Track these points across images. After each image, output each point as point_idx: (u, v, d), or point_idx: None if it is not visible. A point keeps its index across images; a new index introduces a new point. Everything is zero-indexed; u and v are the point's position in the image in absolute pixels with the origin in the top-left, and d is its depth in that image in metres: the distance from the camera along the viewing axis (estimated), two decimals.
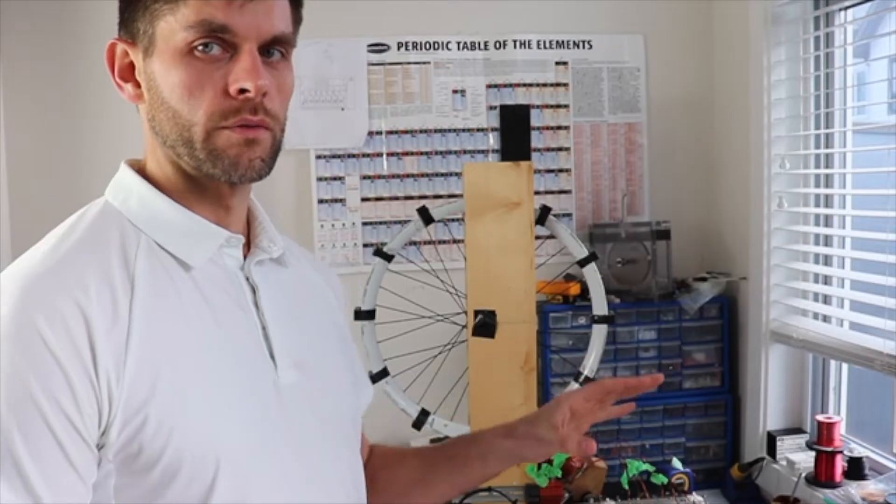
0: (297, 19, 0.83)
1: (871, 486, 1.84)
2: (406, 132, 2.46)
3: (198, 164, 0.78)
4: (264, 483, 0.78)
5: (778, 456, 2.14)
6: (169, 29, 0.76)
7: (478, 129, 2.49)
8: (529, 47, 2.49)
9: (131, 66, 0.81)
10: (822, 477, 1.94)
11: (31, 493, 0.67)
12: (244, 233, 0.87)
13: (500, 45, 2.48)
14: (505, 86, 2.49)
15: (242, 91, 0.76)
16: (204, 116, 0.76)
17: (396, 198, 2.47)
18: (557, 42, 2.50)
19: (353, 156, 2.44)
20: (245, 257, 0.86)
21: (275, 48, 0.79)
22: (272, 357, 0.83)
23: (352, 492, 0.91)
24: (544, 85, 2.50)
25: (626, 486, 1.85)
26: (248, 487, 0.77)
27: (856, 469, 1.91)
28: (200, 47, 0.75)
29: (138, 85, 0.81)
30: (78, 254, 0.75)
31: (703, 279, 2.35)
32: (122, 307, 0.73)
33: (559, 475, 1.85)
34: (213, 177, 0.79)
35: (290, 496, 0.80)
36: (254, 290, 0.84)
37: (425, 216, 1.84)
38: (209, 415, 0.75)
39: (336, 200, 2.45)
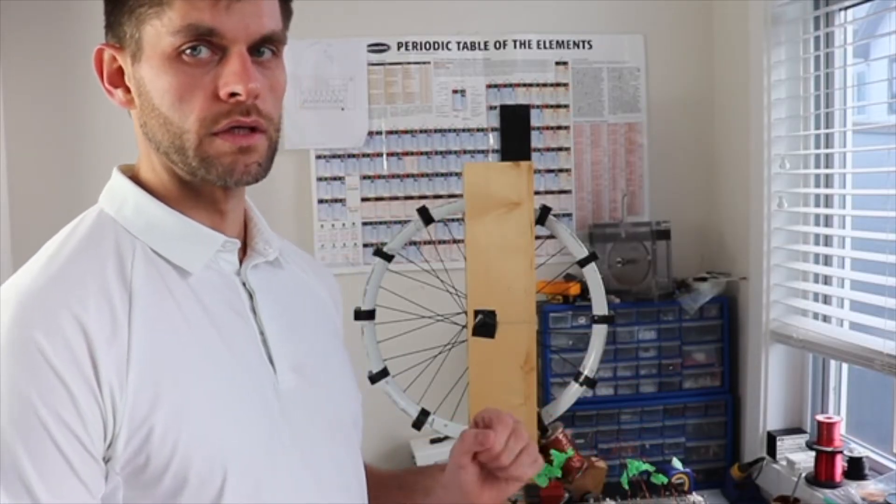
0: (286, 14, 0.82)
1: (871, 486, 1.84)
2: (406, 132, 2.46)
3: (191, 170, 0.77)
4: (273, 487, 0.78)
5: (778, 456, 2.14)
6: (155, 34, 0.74)
7: (478, 129, 2.48)
8: (529, 47, 2.49)
9: (120, 71, 0.79)
10: (822, 477, 1.94)
11: None
12: (240, 236, 0.86)
13: (500, 45, 2.48)
14: (505, 86, 2.49)
15: (233, 94, 0.74)
16: (196, 123, 0.75)
17: (396, 198, 2.47)
18: (557, 42, 2.50)
19: (353, 156, 2.44)
20: (241, 261, 0.85)
21: (265, 47, 0.77)
22: (271, 362, 0.82)
23: (355, 495, 0.91)
24: (544, 85, 2.50)
25: (626, 486, 1.85)
26: (256, 492, 0.76)
27: (856, 469, 1.92)
28: (188, 51, 0.74)
29: (128, 90, 0.79)
30: (74, 266, 0.74)
31: (703, 279, 2.35)
32: (121, 319, 0.72)
33: (559, 475, 1.85)
34: (209, 182, 0.78)
35: (299, 498, 0.80)
36: (250, 296, 0.84)
37: (425, 216, 1.84)
38: (214, 422, 0.74)
39: (336, 200, 2.45)
